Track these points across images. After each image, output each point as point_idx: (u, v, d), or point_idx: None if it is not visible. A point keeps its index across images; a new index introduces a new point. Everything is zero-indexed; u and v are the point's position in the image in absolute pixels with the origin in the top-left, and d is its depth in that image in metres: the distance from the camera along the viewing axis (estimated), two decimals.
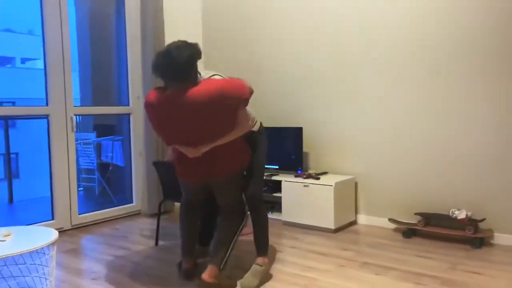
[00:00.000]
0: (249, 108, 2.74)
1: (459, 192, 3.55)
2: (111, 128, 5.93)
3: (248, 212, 2.78)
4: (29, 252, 2.11)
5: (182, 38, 2.59)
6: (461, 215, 3.37)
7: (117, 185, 5.76)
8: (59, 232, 3.90)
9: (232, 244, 2.63)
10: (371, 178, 4.00)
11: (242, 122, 2.48)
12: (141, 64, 4.42)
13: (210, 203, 2.99)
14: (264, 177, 4.18)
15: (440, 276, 2.75)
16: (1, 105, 3.68)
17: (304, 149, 4.39)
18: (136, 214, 4.57)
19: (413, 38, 3.70)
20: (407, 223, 3.71)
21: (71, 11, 4.06)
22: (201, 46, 5.05)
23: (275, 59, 4.55)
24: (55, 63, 3.86)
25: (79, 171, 5.88)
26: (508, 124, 3.31)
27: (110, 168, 5.80)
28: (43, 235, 2.35)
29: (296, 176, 4.08)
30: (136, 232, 3.90)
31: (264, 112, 4.63)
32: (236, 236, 2.66)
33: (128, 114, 4.56)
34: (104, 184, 5.79)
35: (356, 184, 4.09)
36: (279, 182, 4.17)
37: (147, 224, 4.16)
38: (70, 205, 4.01)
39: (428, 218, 3.61)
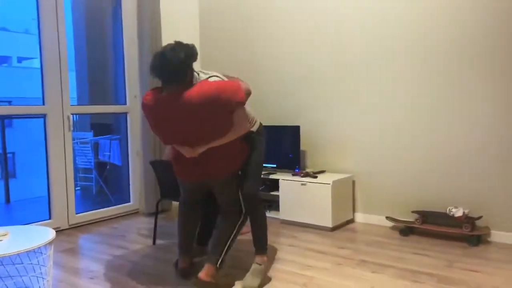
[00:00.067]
0: (248, 108, 2.74)
1: (456, 190, 3.56)
2: (108, 127, 5.92)
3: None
4: (26, 251, 2.11)
5: (180, 37, 2.59)
6: (458, 213, 3.38)
7: (115, 184, 5.76)
8: (56, 231, 3.90)
9: (229, 243, 2.63)
10: (369, 177, 4.01)
11: (239, 124, 2.47)
12: (138, 63, 4.41)
13: (209, 202, 2.99)
14: (262, 176, 4.20)
15: (437, 274, 2.76)
16: None
17: (302, 148, 4.40)
18: (133, 213, 4.56)
19: (412, 38, 3.70)
20: (405, 221, 3.72)
21: (67, 10, 4.05)
22: (198, 46, 5.09)
23: (273, 58, 4.55)
24: (52, 62, 3.85)
25: (76, 170, 5.88)
26: (505, 123, 3.33)
27: (108, 167, 5.80)
28: (40, 234, 2.34)
29: (293, 175, 4.09)
30: (134, 231, 3.89)
31: (262, 111, 4.63)
32: (233, 235, 2.66)
33: (125, 113, 4.55)
34: (102, 183, 5.79)
35: (353, 182, 4.09)
36: (277, 180, 4.17)
37: (145, 223, 4.16)
38: (67, 205, 4.00)
39: (425, 216, 3.62)
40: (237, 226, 2.70)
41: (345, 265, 2.95)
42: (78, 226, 4.09)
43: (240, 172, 2.72)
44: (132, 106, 4.53)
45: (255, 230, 2.75)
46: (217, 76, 2.54)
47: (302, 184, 3.89)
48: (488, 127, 3.40)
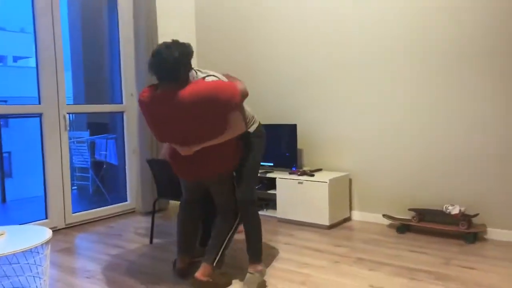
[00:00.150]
0: (247, 107, 2.73)
1: (453, 187, 3.57)
2: (104, 126, 5.90)
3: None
4: (23, 251, 2.10)
5: (176, 37, 2.58)
6: (455, 210, 3.39)
7: (111, 183, 5.75)
8: (53, 231, 3.89)
9: (226, 243, 2.61)
10: (365, 175, 4.02)
11: (234, 125, 2.45)
12: (134, 62, 4.40)
13: (210, 203, 2.99)
14: (259, 175, 4.19)
15: (434, 271, 2.77)
16: None
17: (299, 146, 4.40)
18: (130, 212, 4.56)
19: (410, 37, 3.71)
20: (401, 218, 3.73)
21: (63, 9, 4.04)
22: (195, 45, 5.08)
23: (271, 57, 4.55)
24: (48, 61, 3.83)
25: (72, 169, 5.86)
26: (502, 122, 3.34)
27: (104, 166, 5.78)
28: (36, 234, 2.34)
29: (290, 173, 4.09)
30: (131, 231, 3.89)
31: (260, 110, 4.63)
32: (230, 235, 2.64)
33: (122, 112, 4.54)
34: (98, 183, 5.77)
35: (350, 180, 4.10)
36: (274, 179, 4.17)
37: (142, 222, 4.16)
38: (63, 204, 3.99)
39: (422, 214, 3.63)
40: (234, 226, 2.68)
41: (342, 263, 2.96)
42: (75, 226, 4.08)
43: (234, 174, 2.68)
44: (129, 105, 4.52)
45: (248, 237, 2.65)
46: (214, 76, 2.51)
47: (299, 183, 3.89)
48: (484, 126, 3.41)
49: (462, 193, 3.53)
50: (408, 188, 3.79)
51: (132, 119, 4.51)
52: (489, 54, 3.35)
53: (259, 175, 2.80)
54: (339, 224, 3.95)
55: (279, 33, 4.45)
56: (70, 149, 4.16)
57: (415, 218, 3.59)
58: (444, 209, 3.47)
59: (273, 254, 3.17)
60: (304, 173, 3.99)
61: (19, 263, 2.91)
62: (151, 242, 3.52)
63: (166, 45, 2.38)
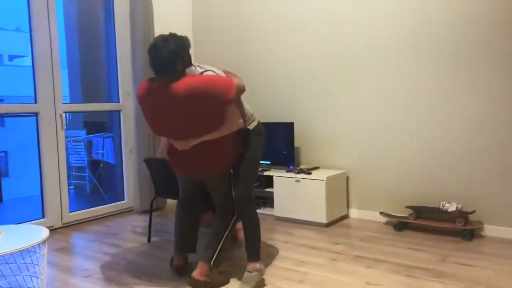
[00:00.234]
0: (246, 105, 2.72)
1: (450, 185, 3.58)
2: (101, 125, 5.89)
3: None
4: (20, 250, 2.09)
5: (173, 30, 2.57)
6: (452, 207, 3.40)
7: (108, 182, 5.74)
8: (50, 230, 3.88)
9: (223, 241, 2.59)
10: (363, 172, 4.02)
11: (231, 120, 2.45)
12: (131, 60, 4.39)
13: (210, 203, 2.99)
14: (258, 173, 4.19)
15: (431, 268, 2.78)
16: None
17: (296, 144, 4.40)
18: (128, 211, 4.55)
19: (405, 35, 3.71)
20: (398, 216, 3.74)
21: (58, 7, 4.02)
22: (192, 44, 5.07)
23: (267, 56, 4.55)
24: (43, 60, 3.82)
25: (69, 169, 5.85)
26: (497, 119, 3.35)
27: (101, 165, 5.77)
28: (33, 233, 2.33)
29: (287, 171, 4.09)
30: (128, 229, 3.88)
31: (257, 108, 4.63)
32: (227, 233, 2.62)
33: (119, 111, 4.53)
34: (95, 182, 5.77)
35: (347, 178, 4.11)
36: (271, 177, 4.17)
37: (139, 221, 4.15)
38: (60, 203, 3.98)
39: (419, 211, 3.64)
40: (231, 224, 2.66)
41: (340, 261, 2.96)
42: (72, 225, 4.07)
43: (232, 171, 2.67)
44: (125, 104, 4.51)
45: (247, 235, 2.63)
46: (213, 72, 2.51)
47: (296, 181, 3.89)
48: (481, 124, 3.42)
49: (459, 191, 3.54)
50: (405, 186, 3.80)
51: (129, 117, 4.50)
52: (487, 53, 3.35)
53: (257, 173, 2.77)
54: (337, 222, 3.95)
55: (276, 32, 4.45)
56: (66, 148, 4.15)
57: (412, 216, 3.60)
58: (441, 206, 3.48)
59: (270, 252, 3.17)
60: (301, 171, 3.99)
61: (16, 263, 2.90)
62: (148, 241, 3.52)
63: (163, 37, 2.39)
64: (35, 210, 4.11)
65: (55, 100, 3.90)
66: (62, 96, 3.97)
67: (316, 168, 4.19)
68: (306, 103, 4.31)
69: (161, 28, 4.67)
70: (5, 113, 3.67)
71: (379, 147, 3.91)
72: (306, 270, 2.81)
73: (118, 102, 4.52)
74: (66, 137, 4.33)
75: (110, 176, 5.70)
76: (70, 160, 5.90)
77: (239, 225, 3.10)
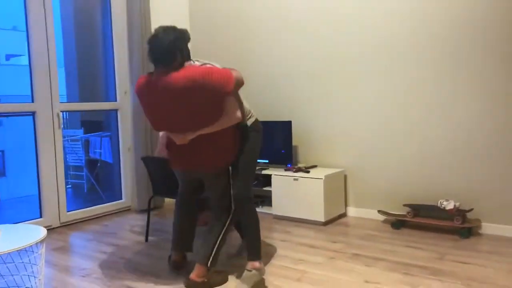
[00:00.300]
0: (245, 102, 2.70)
1: (447, 183, 3.59)
2: (98, 124, 5.88)
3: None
4: (17, 250, 2.09)
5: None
6: (449, 205, 3.41)
7: (106, 181, 5.73)
8: (47, 230, 3.88)
9: (219, 241, 2.56)
10: (360, 171, 4.03)
11: (230, 112, 2.43)
12: (128, 59, 4.38)
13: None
14: (256, 171, 4.19)
15: (429, 266, 2.78)
16: None
17: (294, 143, 4.40)
18: (125, 211, 4.54)
19: (404, 35, 3.71)
20: (396, 214, 3.75)
21: (55, 6, 4.00)
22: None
23: (264, 55, 4.54)
24: (40, 59, 3.80)
25: (67, 168, 5.84)
26: (496, 118, 3.35)
27: (99, 164, 5.76)
28: (31, 233, 2.32)
29: (286, 170, 4.09)
30: (126, 229, 3.88)
31: (254, 107, 4.63)
32: (223, 233, 2.58)
33: (116, 110, 4.52)
34: (93, 181, 5.75)
35: (345, 177, 4.11)
36: (269, 176, 4.17)
37: (137, 220, 4.15)
38: (58, 203, 3.97)
39: (417, 209, 3.65)
40: (227, 223, 2.62)
41: (338, 259, 2.96)
42: (70, 224, 4.06)
43: (230, 168, 2.66)
44: (123, 103, 4.50)
45: (246, 234, 2.61)
46: (211, 65, 2.51)
47: (294, 179, 3.89)
48: (479, 122, 3.42)
49: (457, 188, 3.55)
50: (403, 184, 3.81)
51: (126, 116, 4.50)
52: (484, 51, 3.36)
53: (256, 171, 2.75)
54: (335, 220, 3.96)
55: (275, 31, 4.44)
56: (64, 147, 4.14)
57: (410, 214, 3.60)
58: (438, 204, 3.48)
59: (268, 250, 3.17)
60: (299, 170, 3.99)
61: (14, 262, 2.90)
62: (146, 240, 3.51)
63: (163, 28, 2.41)
64: (32, 209, 4.10)
65: (52, 99, 3.89)
66: (59, 95, 3.95)
67: (314, 166, 4.19)
68: (304, 102, 4.31)
69: (158, 25, 4.64)
70: (2, 113, 3.66)
71: (377, 145, 3.92)
72: (304, 268, 2.82)
73: (115, 101, 4.51)
74: (64, 136, 4.32)
75: (107, 175, 5.69)
76: (67, 159, 5.89)
77: None
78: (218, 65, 2.53)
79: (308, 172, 3.93)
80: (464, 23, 3.42)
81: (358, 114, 3.99)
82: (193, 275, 2.52)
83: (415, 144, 3.72)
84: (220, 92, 2.34)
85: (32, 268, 2.82)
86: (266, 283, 2.59)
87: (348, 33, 3.98)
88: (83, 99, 5.88)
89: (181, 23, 4.99)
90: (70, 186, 6.04)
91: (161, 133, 2.75)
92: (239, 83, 2.50)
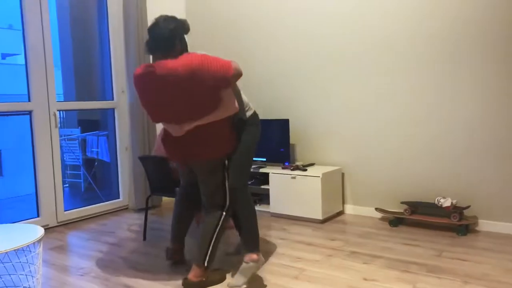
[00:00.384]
0: (244, 96, 2.70)
1: (444, 180, 3.60)
2: (95, 123, 5.87)
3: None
4: (15, 250, 2.08)
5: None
6: (446, 203, 3.42)
7: (104, 180, 5.72)
8: (45, 229, 3.87)
9: (214, 240, 2.53)
10: (358, 169, 4.03)
11: (227, 102, 2.41)
12: (125, 58, 4.37)
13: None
14: (253, 169, 4.20)
15: (427, 263, 2.79)
16: None
17: (291, 141, 4.40)
18: (123, 210, 4.54)
19: (400, 33, 3.71)
20: (394, 212, 3.76)
21: (51, 5, 3.98)
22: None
23: (262, 53, 4.54)
24: (37, 58, 3.79)
25: (64, 167, 5.82)
26: (491, 114, 3.36)
27: (96, 163, 5.75)
28: (28, 232, 2.32)
29: (283, 168, 4.09)
30: (124, 228, 3.87)
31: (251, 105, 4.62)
32: (217, 231, 2.54)
33: (113, 109, 4.51)
34: (90, 180, 5.75)
35: (343, 174, 4.12)
36: (267, 174, 4.18)
37: (135, 219, 4.14)
38: (55, 202, 3.96)
39: (414, 207, 3.65)
40: (221, 221, 2.56)
41: (336, 257, 2.97)
42: (67, 224, 4.05)
43: (226, 162, 2.62)
44: (120, 102, 4.49)
45: (242, 226, 2.59)
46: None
47: (292, 177, 3.90)
48: (474, 120, 3.43)
49: (454, 186, 3.56)
50: (400, 182, 3.81)
51: (124, 115, 4.49)
52: (484, 50, 3.36)
53: (252, 167, 2.75)
54: (332, 218, 3.96)
55: (272, 30, 4.44)
56: (61, 146, 4.13)
57: (407, 211, 3.61)
58: (436, 201, 3.49)
59: (266, 249, 3.18)
60: (296, 168, 4.00)
61: (11, 262, 2.89)
62: (144, 238, 3.51)
63: (164, 18, 2.45)
64: (30, 209, 4.09)
65: (48, 99, 3.88)
66: (55, 94, 3.94)
67: (312, 164, 4.19)
68: (301, 100, 4.31)
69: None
70: None
71: (374, 143, 3.92)
72: (302, 266, 2.82)
73: (112, 99, 4.50)
74: (60, 136, 4.31)
75: (105, 174, 5.68)
76: (64, 158, 5.88)
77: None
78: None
79: (305, 170, 3.93)
80: (464, 21, 3.42)
81: (356, 112, 3.99)
82: (190, 275, 2.52)
83: (412, 142, 3.73)
84: (218, 79, 2.34)
85: (29, 268, 2.82)
86: (264, 281, 2.60)
87: (346, 31, 3.98)
88: (80, 98, 5.86)
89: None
90: (67, 185, 6.03)
91: (158, 133, 2.76)
92: (238, 74, 2.45)
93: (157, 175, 3.33)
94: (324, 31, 4.10)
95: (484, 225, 3.44)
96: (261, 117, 4.55)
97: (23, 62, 3.80)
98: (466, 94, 3.45)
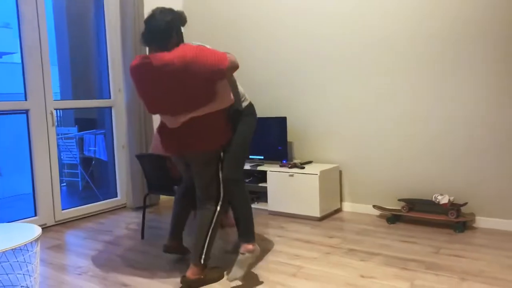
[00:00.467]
0: (240, 87, 2.69)
1: (442, 177, 3.60)
2: (92, 122, 5.85)
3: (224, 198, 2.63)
4: (12, 249, 2.08)
5: None
6: (444, 200, 3.42)
7: (101, 179, 5.71)
8: (42, 228, 3.86)
9: (209, 236, 2.51)
10: (355, 166, 4.04)
11: (222, 94, 2.40)
12: (122, 56, 4.36)
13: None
14: (250, 168, 4.20)
15: (424, 260, 2.80)
16: None
17: (289, 139, 4.40)
18: (121, 208, 4.53)
19: (398, 32, 3.71)
20: (391, 209, 3.76)
21: (47, 3, 3.97)
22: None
23: (259, 51, 4.53)
24: (33, 56, 3.77)
25: (61, 166, 5.81)
26: (487, 111, 3.37)
27: (93, 162, 5.74)
28: (25, 231, 2.31)
29: (281, 166, 4.10)
30: (122, 226, 3.87)
31: None
32: (212, 226, 2.52)
33: (110, 107, 4.50)
34: (88, 179, 5.73)
35: (340, 172, 4.12)
36: (265, 172, 4.18)
37: (133, 218, 4.14)
38: (53, 201, 3.95)
39: (412, 204, 3.66)
40: (215, 216, 2.54)
41: (334, 254, 2.97)
42: (65, 222, 4.05)
43: (222, 154, 2.59)
44: (117, 100, 4.48)
45: (237, 216, 2.57)
46: (204, 46, 2.50)
47: (289, 175, 3.90)
48: (470, 115, 3.44)
49: (451, 183, 3.56)
50: (397, 179, 3.82)
51: (121, 114, 4.48)
52: (481, 49, 3.37)
53: (250, 165, 2.74)
54: (330, 215, 3.97)
55: (269, 28, 4.43)
56: (58, 145, 4.12)
57: (405, 208, 3.62)
58: (433, 198, 3.50)
59: (264, 246, 3.18)
60: (294, 166, 4.00)
61: (8, 261, 2.89)
62: (142, 237, 3.51)
63: (160, 9, 2.44)
64: (27, 208, 4.08)
65: (45, 97, 3.87)
66: (52, 93, 3.93)
67: (309, 162, 4.20)
68: (299, 98, 4.31)
69: None
70: None
71: (371, 141, 3.92)
72: (300, 263, 2.82)
73: (109, 98, 4.49)
74: (58, 134, 4.29)
75: (102, 173, 5.67)
76: (62, 157, 5.86)
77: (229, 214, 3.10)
78: (210, 47, 2.52)
79: (303, 168, 3.93)
80: (464, 21, 3.42)
81: (353, 109, 3.99)
82: (188, 273, 2.52)
83: (409, 140, 3.73)
84: (212, 71, 2.33)
85: (27, 267, 2.81)
86: (262, 279, 2.60)
87: (344, 30, 3.98)
88: (76, 97, 5.84)
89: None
90: (64, 184, 6.02)
91: (155, 131, 2.76)
92: (233, 66, 2.43)
93: (154, 173, 3.33)
94: (324, 31, 4.10)
95: (481, 221, 3.45)
96: (259, 115, 4.54)
97: (20, 61, 3.79)
98: (465, 91, 3.45)
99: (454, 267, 2.68)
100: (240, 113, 2.64)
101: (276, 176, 3.98)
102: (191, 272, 2.51)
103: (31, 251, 2.99)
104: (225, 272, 2.69)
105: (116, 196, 4.57)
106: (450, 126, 3.53)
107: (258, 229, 3.62)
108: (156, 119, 4.69)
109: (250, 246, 2.52)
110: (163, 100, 2.42)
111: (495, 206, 3.39)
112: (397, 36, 3.71)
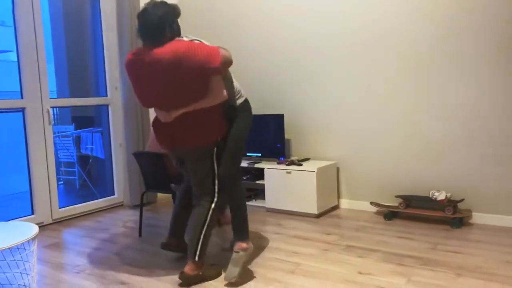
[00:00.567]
0: (236, 83, 2.68)
1: (439, 174, 3.61)
2: (89, 120, 5.84)
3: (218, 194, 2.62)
4: (9, 248, 2.07)
5: None
6: (441, 196, 3.43)
7: (98, 177, 5.70)
8: (39, 226, 3.85)
9: (203, 233, 2.51)
10: (353, 163, 4.04)
11: (215, 90, 2.40)
12: (118, 54, 4.34)
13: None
14: (248, 165, 4.20)
15: (421, 256, 2.81)
16: None
17: (286, 136, 4.40)
18: (118, 206, 4.53)
19: (393, 28, 3.71)
20: (389, 205, 3.77)
21: (43, 0, 3.95)
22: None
23: (256, 48, 4.52)
24: (29, 54, 3.76)
25: (58, 164, 5.79)
26: (484, 108, 3.38)
27: (90, 160, 5.73)
28: (22, 230, 2.31)
29: (278, 163, 4.10)
30: (119, 224, 3.87)
31: None
32: (207, 223, 2.52)
33: (107, 105, 4.49)
34: (85, 177, 5.72)
35: (338, 169, 4.13)
36: (262, 169, 4.18)
37: (130, 216, 4.13)
38: (50, 199, 3.94)
39: (409, 200, 3.67)
40: (209, 213, 2.54)
41: (331, 251, 2.98)
42: (62, 221, 4.04)
43: (216, 150, 2.58)
44: (113, 98, 4.47)
45: (232, 214, 2.58)
46: (199, 41, 2.48)
47: (287, 172, 3.90)
48: (469, 113, 3.45)
49: (448, 179, 3.57)
50: (395, 176, 3.83)
51: (118, 112, 4.47)
52: (482, 49, 3.37)
53: (243, 152, 2.66)
54: (328, 212, 3.98)
55: (266, 25, 4.43)
56: (55, 143, 4.11)
57: (402, 205, 3.63)
58: (430, 195, 3.51)
59: (262, 244, 3.18)
60: (292, 163, 4.00)
61: (5, 260, 2.88)
62: (140, 235, 3.51)
63: (153, 3, 2.41)
64: (24, 206, 4.07)
65: (41, 95, 3.85)
66: (49, 91, 3.92)
67: (307, 159, 4.20)
68: (296, 95, 4.31)
69: None
70: None
71: (369, 137, 3.93)
72: (297, 260, 2.83)
73: (106, 96, 4.48)
74: (54, 133, 4.28)
75: (99, 171, 5.66)
76: (58, 155, 5.85)
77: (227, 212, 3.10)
78: (208, 43, 2.49)
79: (300, 165, 3.94)
80: (464, 21, 3.42)
81: (350, 106, 4.00)
82: (186, 269, 2.53)
83: (406, 136, 3.74)
84: (204, 68, 2.32)
85: (24, 266, 2.81)
86: (260, 276, 2.60)
87: (340, 27, 3.98)
88: (73, 95, 5.82)
89: None
90: (62, 182, 6.01)
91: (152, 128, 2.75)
92: (226, 62, 2.41)
93: (152, 171, 3.32)
94: (320, 27, 4.09)
95: (478, 218, 3.47)
96: (256, 112, 4.54)
97: (16, 59, 3.77)
98: (462, 87, 3.46)
99: (451, 263, 2.69)
100: (235, 109, 2.63)
101: (274, 173, 3.98)
102: (189, 268, 2.51)
103: (28, 249, 2.98)
104: (222, 270, 2.69)
105: (113, 194, 4.57)
106: (447, 123, 3.54)
107: (255, 226, 3.63)
108: (153, 117, 4.68)
109: (244, 245, 2.53)
110: (156, 95, 2.42)
111: (491, 202, 3.41)
112: (398, 36, 3.71)
